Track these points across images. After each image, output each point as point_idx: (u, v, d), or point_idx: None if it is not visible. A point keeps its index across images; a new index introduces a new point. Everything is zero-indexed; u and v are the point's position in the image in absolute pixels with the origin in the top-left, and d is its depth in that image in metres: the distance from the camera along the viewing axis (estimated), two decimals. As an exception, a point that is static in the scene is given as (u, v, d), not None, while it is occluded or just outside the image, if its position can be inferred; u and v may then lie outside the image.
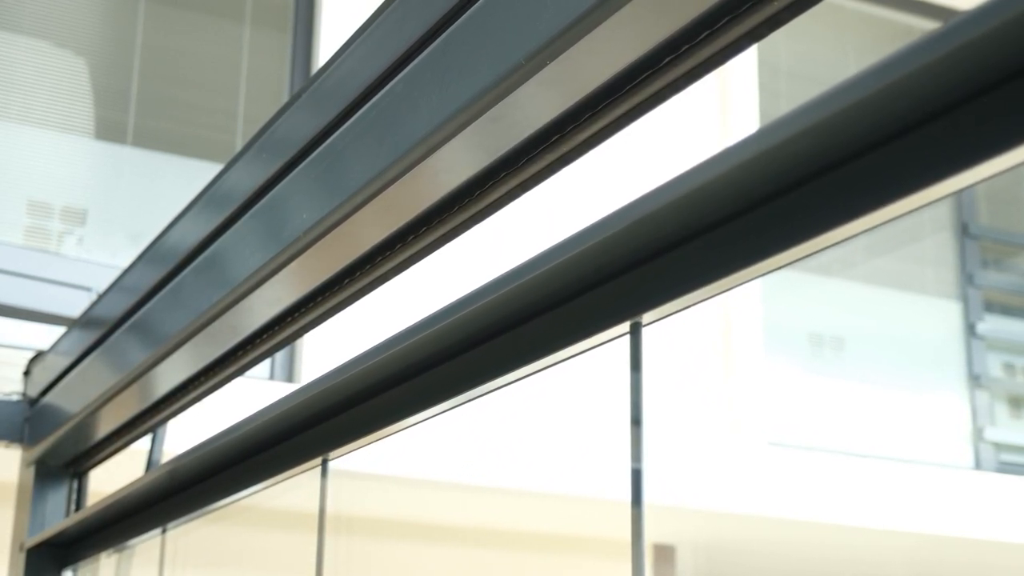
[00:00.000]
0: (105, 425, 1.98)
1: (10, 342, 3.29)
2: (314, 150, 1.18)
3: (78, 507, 2.30)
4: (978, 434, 5.75)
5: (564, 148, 0.94)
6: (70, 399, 2.05)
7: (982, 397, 5.83)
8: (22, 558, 2.26)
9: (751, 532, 5.29)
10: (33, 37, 4.68)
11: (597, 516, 4.89)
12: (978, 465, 5.68)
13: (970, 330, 5.89)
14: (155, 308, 1.63)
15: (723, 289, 0.85)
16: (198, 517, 1.81)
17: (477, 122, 0.93)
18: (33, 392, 2.29)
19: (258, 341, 1.47)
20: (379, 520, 4.99)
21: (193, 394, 1.69)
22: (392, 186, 1.04)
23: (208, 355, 1.55)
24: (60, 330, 2.23)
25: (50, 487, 2.30)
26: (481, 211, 1.05)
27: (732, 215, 0.83)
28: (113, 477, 2.24)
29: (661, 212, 0.84)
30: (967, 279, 5.96)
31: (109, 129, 4.74)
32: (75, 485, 2.32)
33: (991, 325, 5.94)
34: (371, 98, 1.08)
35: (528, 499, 4.72)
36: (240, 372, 1.56)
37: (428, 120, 0.98)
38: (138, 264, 1.73)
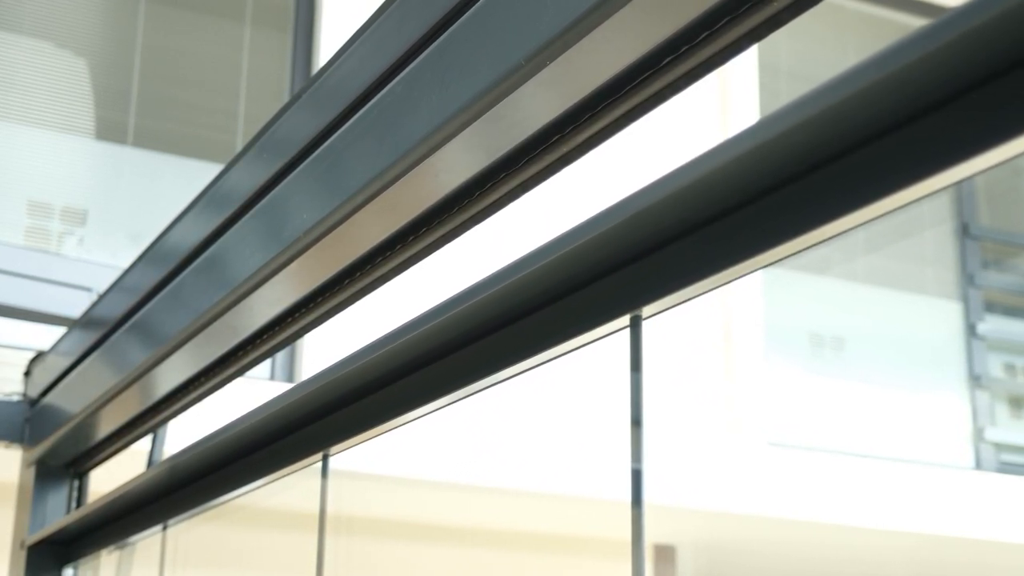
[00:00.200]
0: (105, 425, 1.98)
1: (10, 342, 3.29)
2: (314, 150, 1.18)
3: (79, 507, 2.30)
4: (979, 434, 5.75)
5: (564, 148, 0.94)
6: (70, 399, 2.05)
7: (983, 397, 5.83)
8: (23, 555, 2.26)
9: (751, 532, 5.29)
10: (34, 37, 4.68)
11: (597, 516, 4.89)
12: (979, 465, 5.68)
13: (971, 330, 5.89)
14: (155, 308, 1.63)
15: (723, 282, 0.85)
16: (199, 514, 1.81)
17: (477, 122, 0.93)
18: (33, 392, 2.29)
19: (258, 341, 1.47)
20: (379, 520, 4.99)
21: (193, 394, 1.69)
22: (392, 186, 1.04)
23: (208, 355, 1.55)
24: (60, 330, 2.23)
25: (51, 487, 2.30)
26: (481, 211, 1.05)
27: (731, 208, 0.83)
28: (114, 477, 2.24)
29: (660, 205, 0.84)
30: (968, 279, 5.97)
31: (109, 129, 4.74)
32: (76, 485, 2.32)
33: (992, 325, 5.94)
34: (371, 98, 1.08)
35: (528, 499, 4.72)
36: (240, 372, 1.56)
37: (428, 120, 0.98)
38: (138, 264, 1.73)
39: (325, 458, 1.42)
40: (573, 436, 4.66)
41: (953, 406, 5.81)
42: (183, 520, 1.88)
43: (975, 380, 5.83)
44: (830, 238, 0.77)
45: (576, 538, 5.25)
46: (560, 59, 0.84)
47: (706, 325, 5.11)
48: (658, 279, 0.90)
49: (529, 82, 0.87)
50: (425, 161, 0.99)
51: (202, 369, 1.61)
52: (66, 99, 4.67)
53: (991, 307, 6.01)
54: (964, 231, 6.02)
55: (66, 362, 2.07)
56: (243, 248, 1.33)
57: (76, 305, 2.26)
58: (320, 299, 1.31)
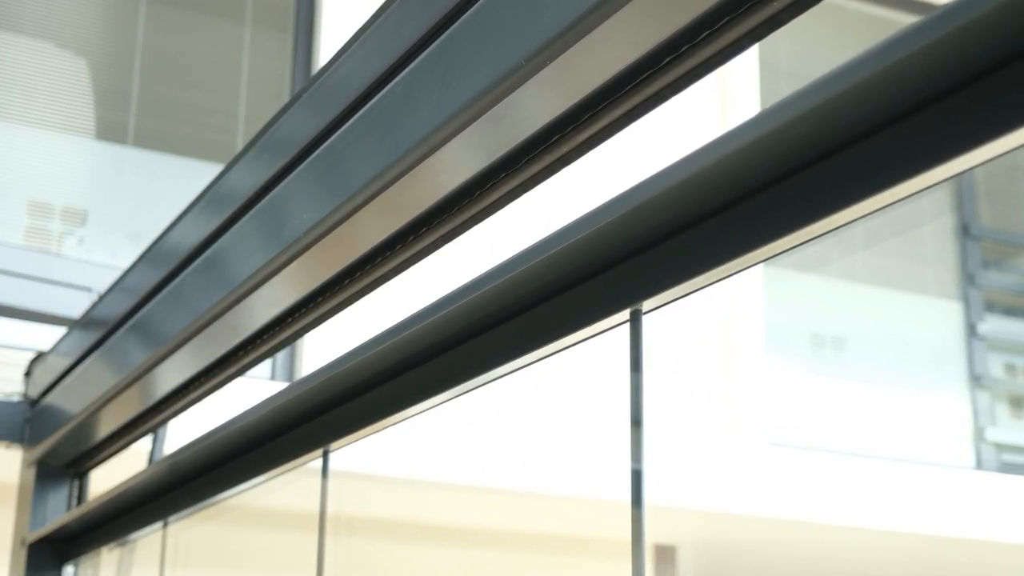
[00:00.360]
0: (106, 426, 1.98)
1: (11, 343, 3.29)
2: (314, 150, 1.18)
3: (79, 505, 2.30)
4: (979, 434, 5.75)
5: (564, 148, 0.94)
6: (71, 400, 2.05)
7: (983, 397, 5.83)
8: (23, 553, 2.26)
9: (752, 532, 5.29)
10: (34, 38, 4.68)
11: (597, 516, 4.89)
12: (979, 465, 5.68)
13: (971, 330, 5.89)
14: (156, 309, 1.63)
15: (723, 276, 0.85)
16: (199, 510, 1.81)
17: (477, 122, 0.93)
18: (34, 393, 2.29)
19: (259, 341, 1.47)
20: (379, 520, 4.99)
21: (194, 394, 1.69)
22: (392, 186, 1.04)
23: (209, 355, 1.55)
24: (61, 331, 2.23)
25: (51, 487, 2.30)
26: (481, 211, 1.05)
27: (731, 202, 0.83)
28: (114, 477, 2.24)
29: (660, 199, 0.84)
30: (968, 279, 5.96)
31: (110, 129, 4.74)
32: (76, 485, 2.32)
33: (992, 325, 5.94)
34: (371, 98, 1.08)
35: (528, 499, 4.72)
36: (241, 372, 1.56)
37: (428, 120, 0.97)
38: (139, 264, 1.73)
39: (325, 454, 1.42)
40: (573, 436, 4.66)
41: (954, 406, 5.81)
42: (184, 517, 1.88)
43: (976, 380, 5.83)
44: (830, 231, 0.77)
45: (576, 538, 5.25)
46: (560, 59, 0.84)
47: (707, 325, 5.11)
48: (658, 273, 0.90)
49: (529, 82, 0.87)
50: (425, 161, 0.99)
51: (202, 369, 1.61)
52: (66, 99, 4.67)
53: (991, 307, 6.01)
54: (965, 231, 6.02)
55: (66, 362, 2.07)
56: (243, 248, 1.33)
57: (76, 305, 2.26)
58: (320, 299, 1.31)
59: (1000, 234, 6.21)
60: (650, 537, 5.33)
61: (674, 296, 0.90)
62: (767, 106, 0.76)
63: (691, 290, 0.89)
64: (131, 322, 1.73)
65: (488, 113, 0.91)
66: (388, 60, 1.05)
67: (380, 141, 1.05)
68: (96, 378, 1.87)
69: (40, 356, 2.31)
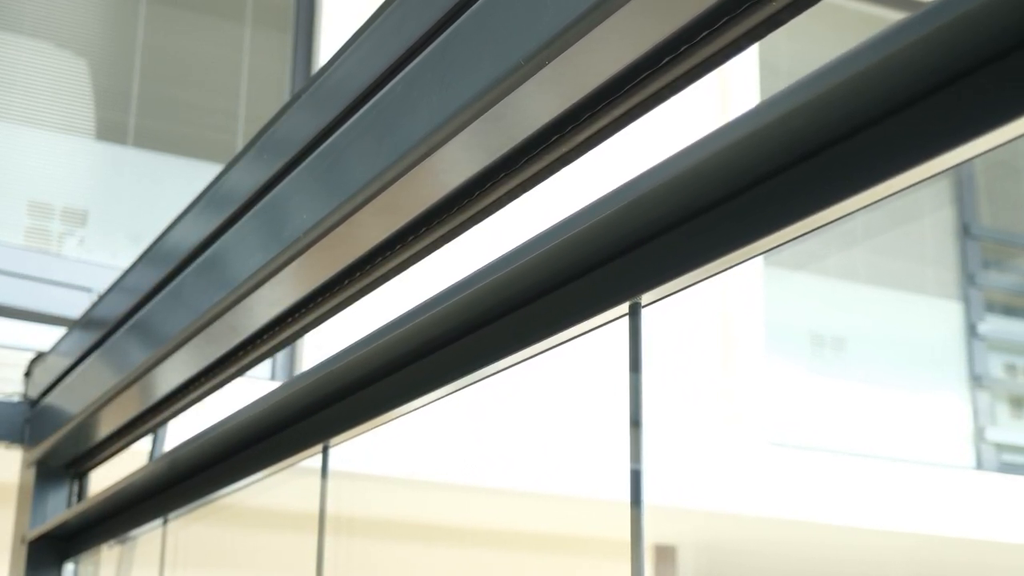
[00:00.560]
0: (106, 426, 1.98)
1: (11, 343, 3.29)
2: (314, 150, 1.18)
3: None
4: (979, 434, 5.75)
5: (564, 148, 0.94)
6: (71, 400, 2.05)
7: (983, 397, 5.83)
8: (24, 550, 2.26)
9: (752, 532, 5.29)
10: (34, 38, 4.68)
11: (598, 516, 4.89)
12: (979, 465, 5.68)
13: (971, 330, 5.89)
14: (156, 309, 1.63)
15: (722, 268, 0.85)
16: (200, 507, 1.81)
17: (477, 122, 0.93)
18: (34, 393, 2.29)
19: (259, 341, 1.47)
20: (379, 520, 4.99)
21: (194, 394, 1.69)
22: (392, 186, 1.04)
23: (209, 355, 1.55)
24: (61, 331, 2.23)
25: (51, 488, 2.30)
26: (481, 211, 1.05)
27: (730, 195, 0.83)
28: (114, 478, 2.24)
29: (659, 192, 0.84)
30: (968, 279, 5.96)
31: (110, 130, 4.74)
32: (76, 486, 2.32)
33: (992, 325, 5.93)
34: (371, 98, 1.08)
35: (528, 499, 4.71)
36: (240, 372, 1.56)
37: (428, 120, 0.97)
38: (138, 265, 1.73)
39: (325, 450, 1.42)
40: (573, 436, 4.66)
41: (954, 406, 5.81)
42: (184, 514, 1.88)
43: (976, 380, 5.83)
44: (828, 224, 0.77)
45: (576, 538, 5.25)
46: (560, 59, 0.84)
47: (707, 325, 5.11)
48: (657, 266, 0.90)
49: (529, 82, 0.87)
50: (425, 161, 0.99)
51: (202, 369, 1.61)
52: (66, 99, 4.67)
53: (992, 307, 6.01)
54: (965, 231, 6.02)
55: (66, 362, 2.07)
56: (243, 248, 1.33)
57: (76, 305, 2.26)
58: (320, 299, 1.31)
59: (1000, 234, 6.21)
60: (650, 537, 5.33)
61: (673, 289, 0.90)
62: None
63: (690, 283, 0.89)
64: (131, 322, 1.73)
65: (488, 113, 0.91)
66: (388, 60, 1.05)
67: (380, 141, 1.05)
68: (96, 378, 1.87)
69: (40, 356, 2.30)
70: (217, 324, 1.42)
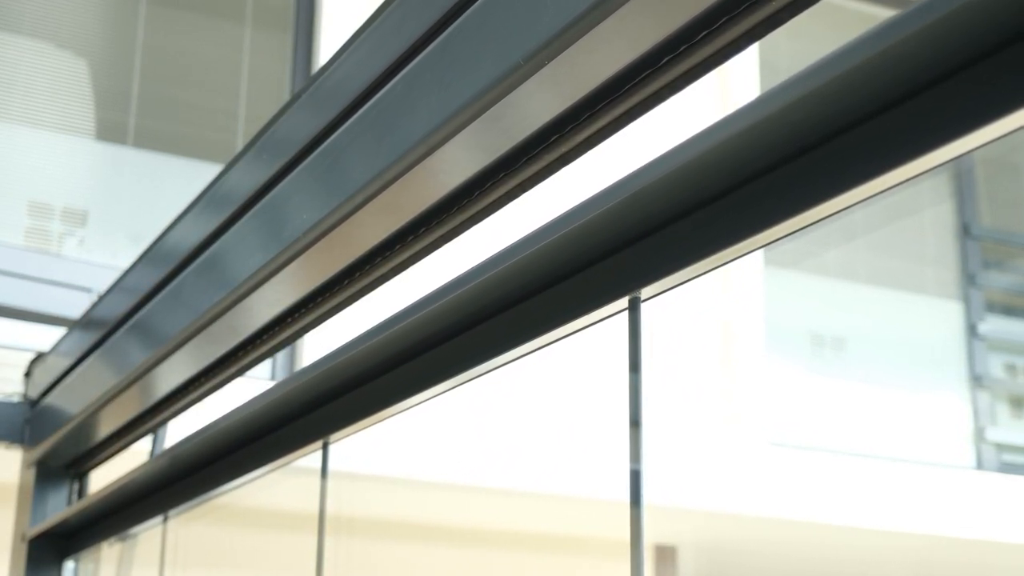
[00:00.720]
0: (106, 426, 1.98)
1: (11, 343, 3.29)
2: (314, 150, 1.18)
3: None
4: (979, 434, 5.75)
5: (563, 148, 0.94)
6: (71, 400, 2.05)
7: (983, 397, 5.83)
8: (24, 548, 2.26)
9: (753, 532, 5.28)
10: (34, 38, 4.68)
11: (598, 516, 4.89)
12: (979, 465, 5.68)
13: (971, 330, 5.89)
14: (155, 309, 1.63)
15: (722, 262, 0.85)
16: (199, 504, 1.81)
17: (477, 122, 0.92)
18: (34, 393, 2.29)
19: (258, 342, 1.47)
20: (379, 520, 4.99)
21: (194, 395, 1.69)
22: (392, 186, 1.04)
23: (208, 356, 1.55)
24: (61, 331, 2.23)
25: (51, 488, 2.30)
26: (481, 211, 1.05)
27: (729, 188, 0.83)
28: (114, 478, 2.24)
29: (658, 186, 0.84)
30: (969, 279, 5.96)
31: (110, 130, 4.74)
32: (76, 486, 2.32)
33: (992, 325, 5.93)
34: (371, 98, 1.08)
35: (528, 499, 4.71)
36: (240, 372, 1.56)
37: (428, 120, 0.97)
38: (138, 265, 1.73)
39: (325, 446, 1.42)
40: (573, 436, 4.66)
41: (954, 406, 5.81)
42: (184, 511, 1.88)
43: (976, 380, 5.83)
44: (829, 216, 0.77)
45: (576, 538, 5.25)
46: (559, 59, 0.84)
47: (707, 325, 5.10)
48: (656, 260, 0.90)
49: (528, 82, 0.87)
50: (424, 161, 0.99)
51: (202, 369, 1.60)
52: (66, 100, 4.67)
53: (992, 307, 6.01)
54: (965, 231, 6.02)
55: (66, 363, 2.07)
56: (243, 248, 1.33)
57: (76, 306, 2.26)
58: (320, 299, 1.31)
59: (1000, 234, 6.21)
60: (650, 537, 5.33)
61: (673, 283, 0.90)
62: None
63: (690, 277, 0.89)
64: (131, 322, 1.72)
65: (487, 113, 0.91)
66: (387, 60, 1.05)
67: (379, 141, 1.05)
68: (96, 378, 1.87)
69: (40, 356, 2.30)
70: (217, 324, 1.42)
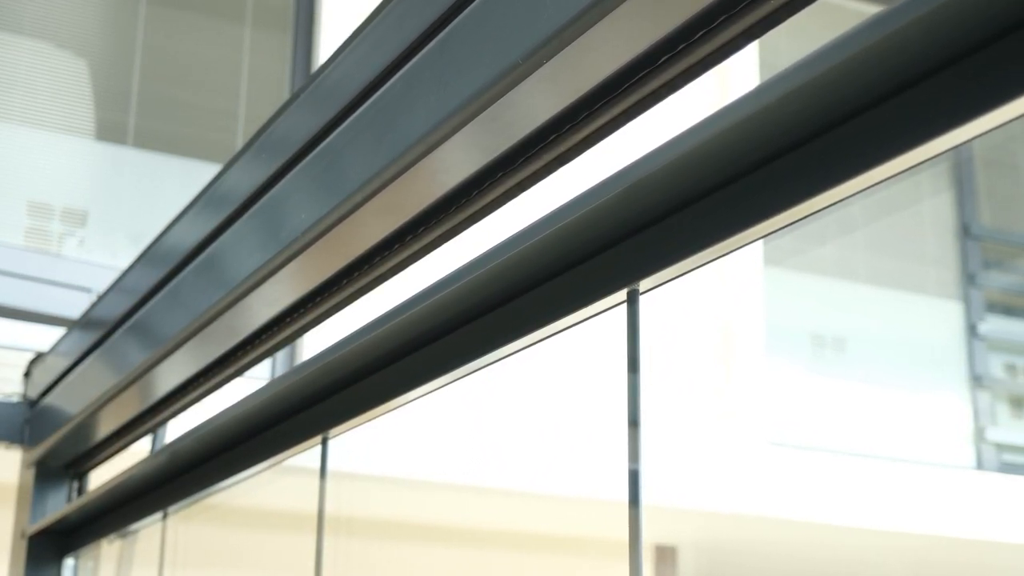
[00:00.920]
0: (105, 426, 1.98)
1: (10, 343, 3.29)
2: (313, 150, 1.18)
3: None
4: (980, 434, 5.74)
5: (562, 147, 0.94)
6: (70, 400, 2.05)
7: (984, 397, 5.83)
8: (24, 545, 2.26)
9: (753, 532, 5.28)
10: (34, 38, 4.68)
11: (598, 517, 4.89)
12: (980, 465, 5.68)
13: (972, 330, 5.89)
14: (155, 309, 1.63)
15: (721, 254, 0.85)
16: (199, 500, 1.81)
17: (475, 121, 0.92)
18: (33, 393, 2.29)
19: (258, 341, 1.47)
20: (378, 520, 4.99)
21: (193, 395, 1.69)
22: (391, 186, 1.04)
23: (208, 356, 1.55)
24: (60, 331, 2.23)
25: (50, 488, 2.30)
26: (479, 211, 1.05)
27: (727, 179, 0.83)
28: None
29: (655, 178, 0.84)
30: (969, 279, 5.96)
31: (110, 130, 4.74)
32: (75, 486, 2.31)
33: (993, 325, 5.93)
34: (370, 97, 1.08)
35: (528, 499, 4.71)
36: (240, 372, 1.56)
37: (426, 119, 0.97)
38: (137, 265, 1.73)
39: (324, 441, 1.42)
40: (573, 436, 4.66)
41: (954, 406, 5.81)
42: (184, 507, 1.88)
43: (976, 380, 5.83)
44: (828, 207, 0.77)
45: (576, 538, 5.25)
46: (557, 57, 0.84)
47: (707, 325, 5.10)
48: (655, 253, 0.90)
49: (527, 81, 0.87)
50: (423, 160, 0.99)
51: (201, 369, 1.60)
52: (66, 100, 4.67)
53: (992, 307, 6.01)
54: (965, 231, 6.02)
55: (66, 363, 2.07)
56: (242, 248, 1.33)
57: (76, 306, 2.26)
58: (319, 299, 1.31)
59: (1000, 234, 6.21)
60: (651, 537, 5.33)
61: (672, 275, 0.90)
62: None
63: (689, 269, 0.88)
64: (130, 322, 1.72)
65: (486, 112, 0.91)
66: (386, 59, 1.05)
67: (378, 140, 1.05)
68: (95, 379, 1.87)
69: (39, 357, 2.30)
70: (216, 324, 1.42)
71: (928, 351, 5.92)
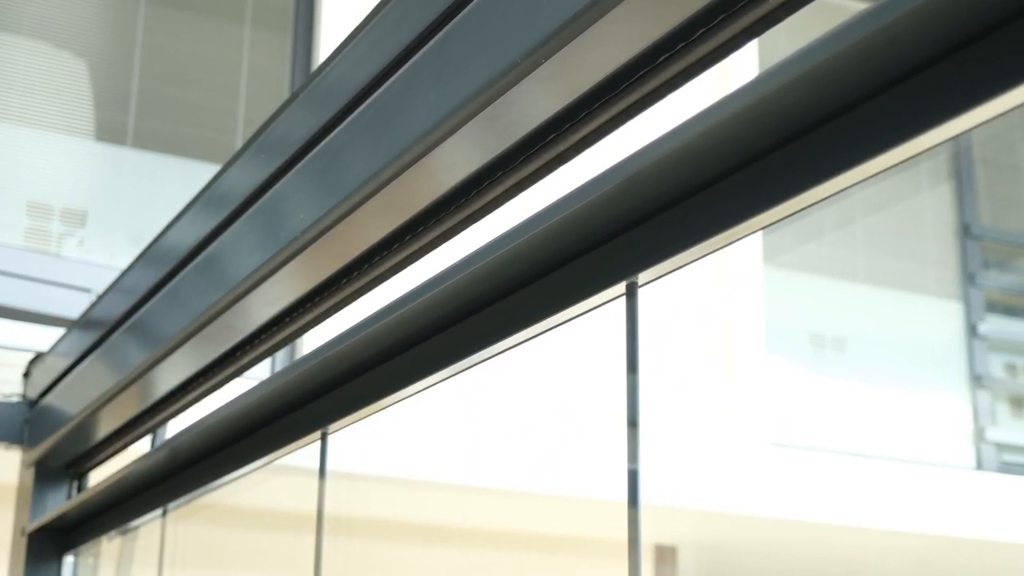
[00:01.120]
0: (105, 426, 1.98)
1: (10, 343, 3.28)
2: (312, 149, 1.18)
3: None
4: (980, 434, 5.74)
5: (561, 147, 0.94)
6: (70, 400, 2.05)
7: (984, 397, 5.83)
8: (23, 543, 2.26)
9: (753, 532, 5.28)
10: (33, 38, 4.68)
11: (598, 517, 4.89)
12: (980, 465, 5.68)
13: (972, 330, 5.88)
14: (154, 309, 1.63)
15: (720, 245, 0.85)
16: (198, 497, 1.81)
17: (474, 121, 0.92)
18: (33, 393, 2.29)
19: (257, 341, 1.47)
20: (378, 520, 4.99)
21: (193, 395, 1.69)
22: (390, 185, 1.04)
23: (207, 355, 1.55)
24: (60, 331, 2.23)
25: (50, 488, 2.29)
26: (479, 210, 1.05)
27: (726, 171, 0.83)
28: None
29: (653, 170, 0.84)
30: (969, 279, 5.96)
31: (109, 130, 4.74)
32: (75, 486, 2.31)
33: (993, 325, 5.93)
34: (369, 97, 1.08)
35: (527, 499, 4.71)
36: (239, 372, 1.56)
37: (425, 119, 0.97)
38: (137, 265, 1.73)
39: (324, 436, 1.42)
40: (573, 436, 4.66)
41: (954, 406, 5.81)
42: (183, 503, 1.88)
43: (976, 380, 5.83)
44: (826, 198, 0.77)
45: (575, 539, 5.25)
46: (556, 57, 0.84)
47: (708, 325, 5.10)
48: (653, 245, 0.90)
49: (526, 80, 0.87)
50: (422, 160, 0.99)
51: (201, 369, 1.60)
52: (66, 100, 4.67)
53: (992, 307, 6.01)
54: (965, 231, 6.01)
55: (65, 363, 2.07)
56: (241, 248, 1.33)
57: (76, 306, 2.25)
58: (318, 298, 1.31)
59: (1000, 234, 6.21)
60: (651, 537, 5.33)
61: (671, 268, 0.90)
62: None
63: (688, 261, 0.88)
64: (129, 322, 1.72)
65: (485, 111, 0.91)
66: (385, 59, 1.05)
67: (377, 140, 1.05)
68: (95, 379, 1.87)
69: (39, 357, 2.30)
70: (215, 324, 1.42)
71: (928, 351, 5.92)
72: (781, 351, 5.52)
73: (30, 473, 2.30)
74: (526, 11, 0.86)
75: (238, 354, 1.52)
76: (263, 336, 1.45)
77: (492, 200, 1.03)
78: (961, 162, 6.06)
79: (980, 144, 6.15)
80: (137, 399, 1.79)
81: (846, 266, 5.86)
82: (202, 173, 4.62)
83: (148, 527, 2.08)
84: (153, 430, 1.93)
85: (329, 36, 4.85)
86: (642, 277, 0.92)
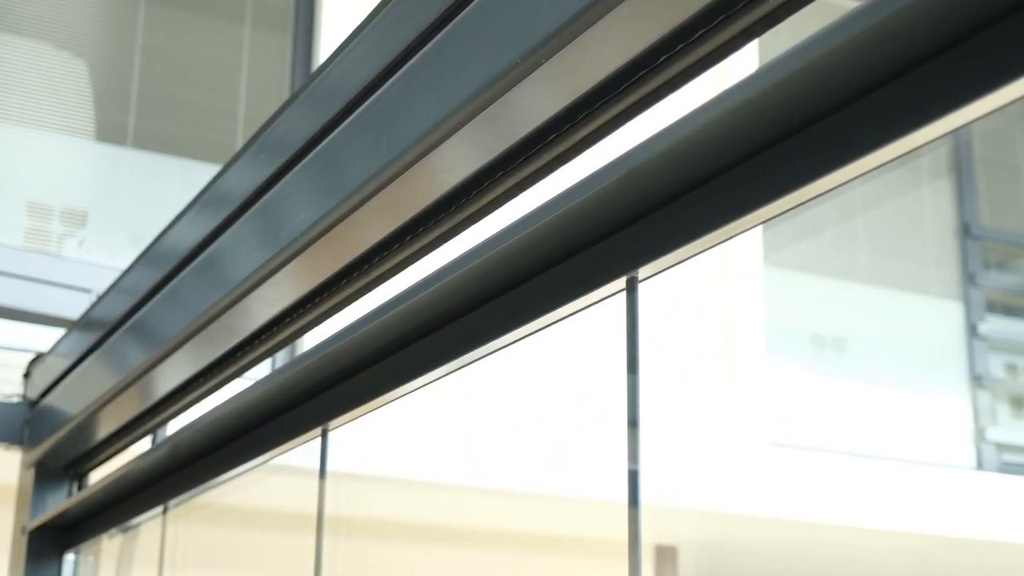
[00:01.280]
0: (105, 427, 1.98)
1: (10, 344, 3.28)
2: (312, 150, 1.18)
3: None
4: (980, 434, 5.74)
5: (561, 147, 0.94)
6: (70, 401, 2.05)
7: (984, 397, 5.83)
8: (24, 541, 2.26)
9: (753, 533, 5.28)
10: (33, 39, 4.68)
11: (598, 517, 4.89)
12: (980, 465, 5.68)
13: (972, 330, 5.88)
14: (154, 309, 1.63)
15: (720, 240, 0.85)
16: (199, 494, 1.81)
17: (474, 121, 0.92)
18: (33, 394, 2.29)
19: (257, 342, 1.47)
20: (378, 521, 4.99)
21: (193, 395, 1.69)
22: (390, 186, 1.04)
23: (207, 356, 1.55)
24: (60, 332, 2.23)
25: (50, 488, 2.29)
26: (479, 210, 1.05)
27: (726, 165, 0.83)
28: (113, 478, 2.24)
29: (653, 164, 0.84)
30: (969, 279, 5.96)
31: (109, 130, 4.74)
32: (75, 487, 2.31)
33: (993, 325, 5.93)
34: (369, 97, 1.08)
35: (527, 500, 4.71)
36: (240, 373, 1.56)
37: (426, 119, 0.97)
38: (137, 265, 1.73)
39: (324, 433, 1.42)
40: (572, 436, 4.66)
41: (954, 406, 5.81)
42: (184, 501, 1.88)
43: (976, 380, 5.83)
44: (825, 193, 0.77)
45: (575, 539, 5.25)
46: (556, 57, 0.83)
47: (708, 325, 5.10)
48: (653, 240, 0.90)
49: (526, 80, 0.87)
50: (422, 160, 0.99)
51: (201, 370, 1.60)
52: (66, 100, 4.67)
53: (992, 307, 6.01)
54: (965, 231, 6.01)
55: (65, 363, 2.07)
56: (241, 248, 1.33)
57: (76, 306, 2.25)
58: (318, 299, 1.31)
59: (1000, 234, 6.21)
60: (651, 537, 5.33)
61: (671, 262, 0.90)
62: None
63: (688, 255, 0.88)
64: (130, 323, 1.72)
65: (485, 112, 0.91)
66: (385, 59, 1.05)
67: (377, 140, 1.05)
68: (95, 379, 1.87)
69: (39, 357, 2.30)
70: (215, 324, 1.42)
71: (928, 351, 5.92)
72: (781, 351, 5.52)
73: (30, 474, 2.30)
74: (526, 11, 0.86)
75: (238, 355, 1.52)
76: (263, 337, 1.45)
77: (492, 200, 1.03)
78: (961, 162, 6.06)
79: (980, 143, 6.15)
80: (137, 400, 1.79)
81: (846, 266, 5.86)
82: (202, 173, 4.62)
83: (149, 525, 2.08)
84: (153, 431, 1.93)
85: (329, 36, 4.85)
86: (642, 272, 0.92)
